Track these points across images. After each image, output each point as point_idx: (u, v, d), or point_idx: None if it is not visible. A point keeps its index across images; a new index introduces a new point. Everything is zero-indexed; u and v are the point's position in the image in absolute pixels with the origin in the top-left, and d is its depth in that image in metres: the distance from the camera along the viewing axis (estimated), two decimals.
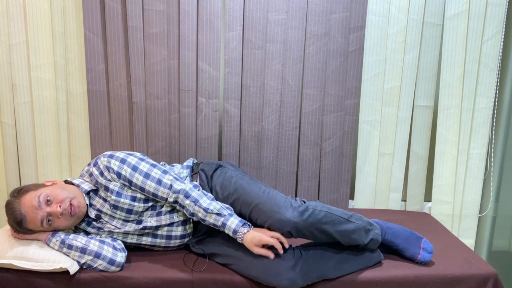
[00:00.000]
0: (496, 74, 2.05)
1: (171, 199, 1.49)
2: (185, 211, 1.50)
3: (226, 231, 1.45)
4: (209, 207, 1.45)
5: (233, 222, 1.43)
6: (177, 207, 1.51)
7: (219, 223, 1.45)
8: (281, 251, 1.39)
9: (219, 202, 1.49)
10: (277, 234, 1.41)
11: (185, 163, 1.71)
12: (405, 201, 2.21)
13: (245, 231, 1.42)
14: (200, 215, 1.46)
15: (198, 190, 1.49)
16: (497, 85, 2.08)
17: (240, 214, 1.53)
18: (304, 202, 1.46)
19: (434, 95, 2.09)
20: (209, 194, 1.50)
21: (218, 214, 1.45)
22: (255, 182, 1.56)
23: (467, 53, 2.03)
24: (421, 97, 2.08)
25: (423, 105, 2.09)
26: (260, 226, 1.47)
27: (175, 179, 1.51)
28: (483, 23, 2.00)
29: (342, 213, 1.48)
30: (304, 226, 1.40)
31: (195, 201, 1.46)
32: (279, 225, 1.40)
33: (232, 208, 1.50)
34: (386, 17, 2.00)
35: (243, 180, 1.57)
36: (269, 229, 1.44)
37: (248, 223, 1.46)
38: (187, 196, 1.47)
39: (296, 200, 1.47)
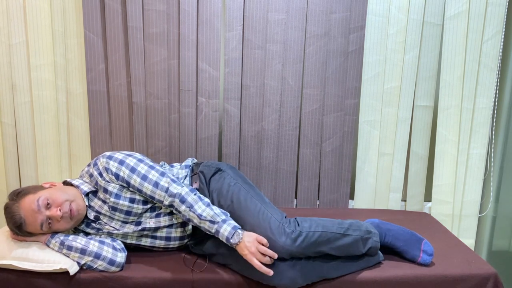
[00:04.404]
0: (496, 74, 2.05)
1: (166, 202, 1.47)
2: (181, 217, 1.48)
3: (220, 238, 1.42)
4: (202, 213, 1.43)
5: (225, 229, 1.41)
6: (174, 211, 1.50)
7: (213, 230, 1.42)
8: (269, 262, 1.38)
9: (214, 208, 1.46)
10: (269, 252, 1.38)
11: (184, 163, 1.71)
12: (405, 201, 2.21)
13: (237, 241, 1.38)
14: (195, 221, 1.45)
15: (195, 194, 1.47)
16: (497, 85, 2.08)
17: None
18: (298, 224, 1.44)
19: (434, 95, 2.09)
20: (206, 200, 1.48)
21: (212, 222, 1.42)
22: (251, 196, 1.54)
23: (467, 53, 2.03)
24: (421, 97, 2.08)
25: (423, 105, 2.09)
26: None
27: (173, 181, 1.49)
28: (483, 23, 2.00)
29: (338, 227, 1.47)
30: (298, 251, 1.41)
31: (190, 207, 1.44)
32: (272, 251, 1.40)
33: (227, 213, 1.47)
34: (386, 17, 2.00)
35: (240, 192, 1.55)
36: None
37: (240, 228, 1.42)
38: (182, 201, 1.45)
39: (290, 222, 1.45)
